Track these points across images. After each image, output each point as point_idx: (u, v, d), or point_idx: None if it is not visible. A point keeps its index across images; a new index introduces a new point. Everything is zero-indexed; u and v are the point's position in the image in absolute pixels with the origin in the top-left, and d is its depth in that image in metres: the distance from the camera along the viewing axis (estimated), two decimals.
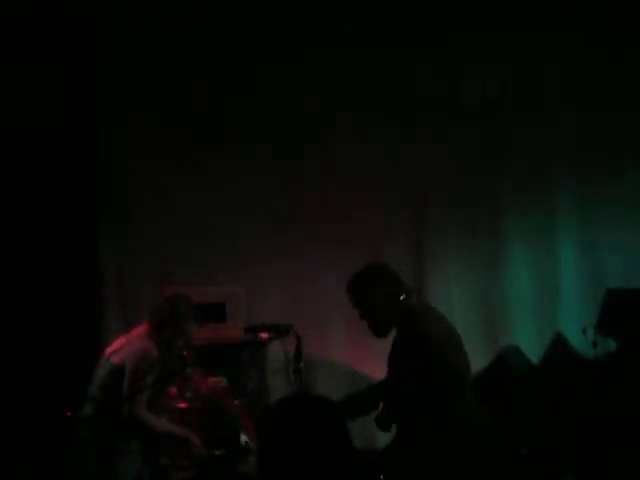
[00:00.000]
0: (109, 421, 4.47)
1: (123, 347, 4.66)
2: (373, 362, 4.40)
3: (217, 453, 4.68)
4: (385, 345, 4.07)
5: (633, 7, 6.30)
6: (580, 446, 4.91)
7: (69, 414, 4.49)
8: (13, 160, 6.01)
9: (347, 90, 6.37)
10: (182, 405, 4.82)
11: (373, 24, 6.33)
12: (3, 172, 6.01)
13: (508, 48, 6.41)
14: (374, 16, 6.33)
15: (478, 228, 6.46)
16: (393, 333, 4.06)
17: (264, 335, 5.82)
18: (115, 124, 6.34)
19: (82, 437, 4.52)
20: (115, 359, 4.62)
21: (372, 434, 5.34)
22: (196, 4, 6.35)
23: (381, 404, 4.05)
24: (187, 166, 6.33)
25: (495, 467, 3.87)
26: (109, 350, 4.70)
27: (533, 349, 5.76)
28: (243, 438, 4.68)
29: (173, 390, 4.84)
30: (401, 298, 4.04)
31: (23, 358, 5.85)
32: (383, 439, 4.54)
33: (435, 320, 4.05)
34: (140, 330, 4.72)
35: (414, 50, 6.36)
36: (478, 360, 5.50)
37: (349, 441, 2.67)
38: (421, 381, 3.89)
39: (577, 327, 5.65)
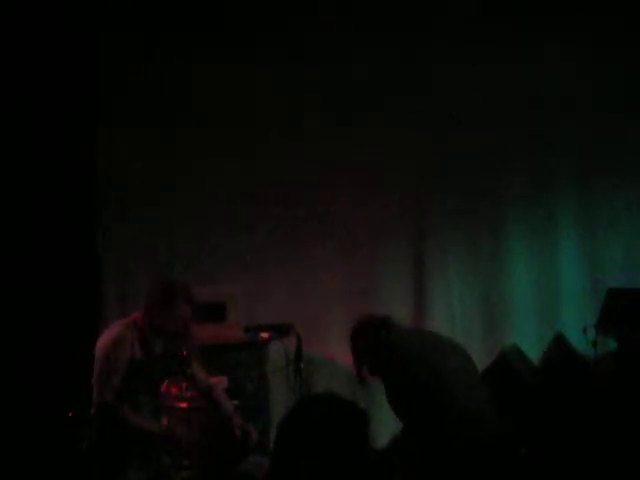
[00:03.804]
0: (111, 420, 4.43)
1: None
2: None
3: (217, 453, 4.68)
4: None
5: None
6: (579, 446, 4.91)
7: (70, 414, 4.47)
8: (13, 160, 6.01)
9: (345, 89, 6.38)
10: (183, 405, 4.81)
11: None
12: (3, 172, 6.01)
13: (507, 47, 6.42)
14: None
15: (478, 228, 6.46)
16: None
17: (264, 335, 5.82)
18: (115, 124, 6.34)
19: (87, 436, 4.49)
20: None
21: (372, 434, 5.33)
22: (196, 4, 6.36)
23: None
24: (187, 166, 6.33)
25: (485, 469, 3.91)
26: None
27: (533, 349, 5.76)
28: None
29: (174, 390, 4.83)
30: (381, 335, 4.18)
31: (22, 358, 5.85)
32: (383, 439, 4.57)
33: (410, 351, 4.14)
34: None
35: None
36: (478, 360, 5.50)
37: (369, 451, 2.64)
38: (404, 414, 4.02)
39: (577, 327, 5.65)
